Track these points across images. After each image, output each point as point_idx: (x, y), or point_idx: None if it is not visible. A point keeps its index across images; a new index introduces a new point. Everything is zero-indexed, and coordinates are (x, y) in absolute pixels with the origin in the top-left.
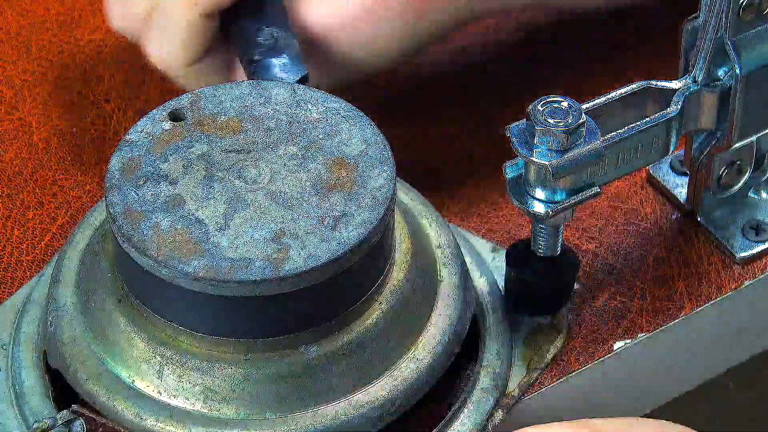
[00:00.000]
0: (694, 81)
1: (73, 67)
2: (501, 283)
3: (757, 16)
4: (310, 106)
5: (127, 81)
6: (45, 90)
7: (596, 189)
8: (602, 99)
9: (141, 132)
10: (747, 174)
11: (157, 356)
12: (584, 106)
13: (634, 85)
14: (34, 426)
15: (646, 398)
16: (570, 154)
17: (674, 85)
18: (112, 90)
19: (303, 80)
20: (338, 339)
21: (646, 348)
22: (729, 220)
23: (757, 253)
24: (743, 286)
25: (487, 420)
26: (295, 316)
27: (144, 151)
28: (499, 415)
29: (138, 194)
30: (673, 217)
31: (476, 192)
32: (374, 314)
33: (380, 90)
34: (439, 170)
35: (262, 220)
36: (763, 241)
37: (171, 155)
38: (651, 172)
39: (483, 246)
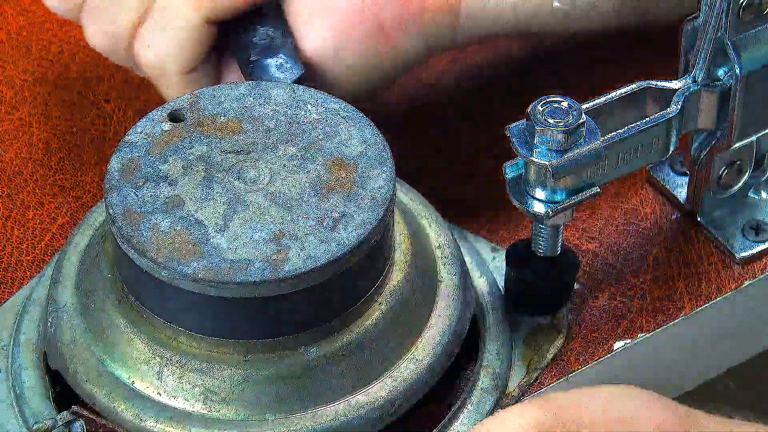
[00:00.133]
0: (694, 81)
1: (73, 67)
2: (501, 283)
3: (757, 16)
4: (309, 107)
5: (127, 81)
6: (45, 90)
7: (596, 189)
8: (602, 99)
9: (140, 133)
10: (747, 174)
11: (157, 357)
12: (584, 106)
13: (634, 85)
14: (35, 427)
15: None
16: (570, 154)
17: (674, 85)
18: (112, 90)
19: (300, 80)
20: (338, 340)
21: (646, 348)
22: (729, 220)
23: (757, 253)
24: (743, 286)
25: None
26: (294, 317)
27: (143, 152)
28: None
29: (137, 195)
30: (673, 217)
31: (476, 192)
32: (374, 315)
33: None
34: (439, 170)
35: (261, 221)
36: (763, 241)
37: (170, 156)
38: (651, 172)
39: (483, 246)
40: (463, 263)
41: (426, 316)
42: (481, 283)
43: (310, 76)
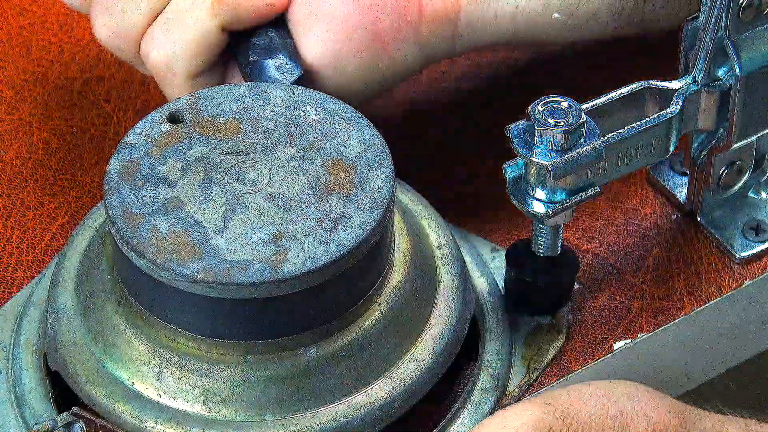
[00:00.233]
0: (694, 81)
1: (73, 67)
2: (501, 283)
3: (757, 16)
4: (308, 108)
5: (127, 81)
6: (45, 90)
7: (596, 189)
8: (602, 99)
9: (140, 134)
10: (747, 174)
11: (157, 358)
12: (584, 106)
13: (634, 85)
14: (35, 428)
15: None
16: (570, 154)
17: (674, 85)
18: (112, 90)
19: (299, 80)
20: (337, 341)
21: (646, 348)
22: (729, 220)
23: (756, 253)
24: (743, 286)
25: None
26: (294, 318)
27: (143, 154)
28: None
29: (137, 197)
30: (673, 217)
31: (476, 192)
32: (373, 315)
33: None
34: (439, 170)
35: (260, 222)
36: (763, 241)
37: (170, 157)
38: (651, 172)
39: (483, 246)
40: (463, 264)
41: (426, 317)
42: (481, 283)
43: (309, 83)
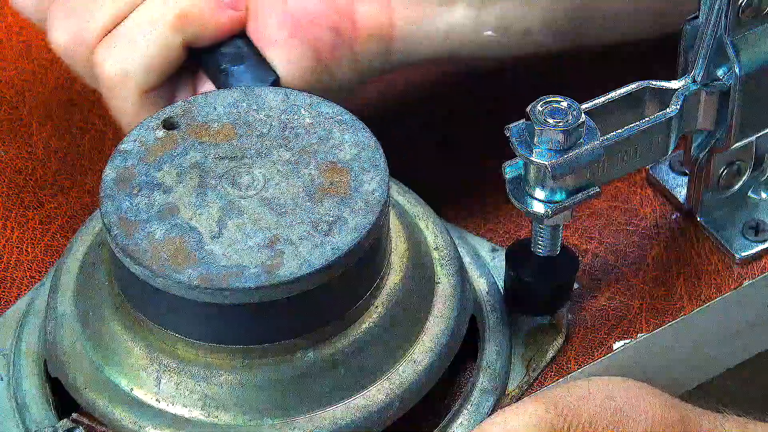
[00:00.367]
0: (694, 81)
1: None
2: (500, 283)
3: (757, 16)
4: (302, 112)
5: None
6: (45, 90)
7: (596, 189)
8: (602, 99)
9: (135, 141)
10: (746, 174)
11: (155, 364)
12: (584, 106)
13: (633, 85)
14: None
15: None
16: (569, 154)
17: (674, 85)
18: None
19: (275, 84)
20: (335, 343)
21: (646, 348)
22: (729, 220)
23: (756, 253)
24: (743, 286)
25: None
26: (290, 322)
27: (138, 160)
28: None
29: (132, 203)
30: (673, 217)
31: (476, 192)
32: (371, 318)
33: (374, 92)
34: (439, 170)
35: (255, 226)
36: (763, 241)
37: (165, 164)
38: (651, 172)
39: (483, 246)
40: (460, 264)
41: (424, 318)
42: (480, 283)
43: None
